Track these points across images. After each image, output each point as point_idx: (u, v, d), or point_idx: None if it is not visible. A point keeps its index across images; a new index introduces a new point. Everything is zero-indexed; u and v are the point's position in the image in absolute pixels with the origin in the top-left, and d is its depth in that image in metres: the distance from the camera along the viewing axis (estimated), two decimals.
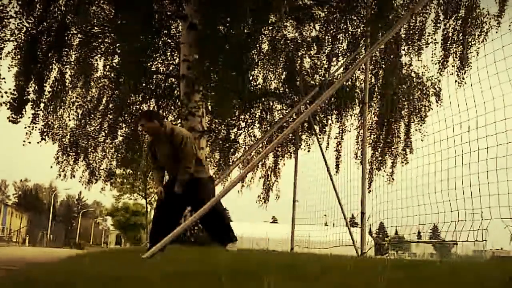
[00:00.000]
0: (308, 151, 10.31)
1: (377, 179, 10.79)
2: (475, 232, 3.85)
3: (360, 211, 5.84)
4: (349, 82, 10.02)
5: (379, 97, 10.62)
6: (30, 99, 8.94)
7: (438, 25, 9.50)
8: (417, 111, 10.81)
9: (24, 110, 8.73)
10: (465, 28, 9.21)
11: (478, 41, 9.28)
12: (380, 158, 10.99)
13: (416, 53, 9.92)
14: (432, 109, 10.59)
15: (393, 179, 10.71)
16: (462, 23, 9.23)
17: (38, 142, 10.19)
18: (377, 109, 10.76)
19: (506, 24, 7.54)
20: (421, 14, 9.51)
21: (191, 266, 2.50)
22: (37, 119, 9.73)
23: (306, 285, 1.72)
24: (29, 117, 9.64)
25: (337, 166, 10.19)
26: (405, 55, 10.05)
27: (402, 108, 10.73)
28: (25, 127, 9.76)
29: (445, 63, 9.59)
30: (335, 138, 10.79)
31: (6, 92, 8.13)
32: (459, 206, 4.00)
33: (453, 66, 9.58)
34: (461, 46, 9.40)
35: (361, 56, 8.83)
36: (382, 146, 10.87)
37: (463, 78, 9.35)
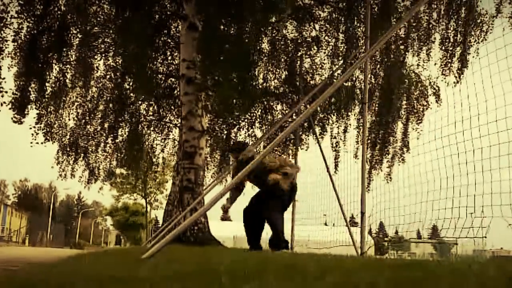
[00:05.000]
0: (307, 150, 10.34)
1: (377, 179, 10.82)
2: (475, 230, 3.86)
3: (360, 211, 5.83)
4: (349, 82, 10.01)
5: (378, 96, 10.62)
6: (32, 99, 8.94)
7: (439, 24, 9.51)
8: (415, 110, 10.83)
9: (27, 110, 8.74)
10: (466, 28, 9.21)
11: (478, 42, 9.30)
12: (378, 158, 11.02)
13: (416, 53, 9.94)
14: (430, 108, 10.63)
15: (391, 178, 10.75)
16: (463, 23, 9.24)
17: (42, 143, 10.20)
18: (376, 109, 10.76)
19: (504, 23, 7.57)
20: (421, 14, 9.51)
21: (191, 266, 2.50)
22: (42, 119, 9.75)
23: (306, 285, 1.72)
24: (34, 117, 9.64)
25: (336, 166, 10.20)
26: (404, 55, 10.06)
27: (401, 107, 10.75)
28: (30, 128, 9.77)
29: (447, 63, 9.60)
30: (334, 138, 10.80)
31: (7, 92, 8.11)
32: (460, 204, 4.00)
33: (452, 65, 9.59)
34: (461, 46, 9.40)
35: (361, 56, 8.83)
36: (380, 145, 10.90)
37: (460, 79, 9.38)
